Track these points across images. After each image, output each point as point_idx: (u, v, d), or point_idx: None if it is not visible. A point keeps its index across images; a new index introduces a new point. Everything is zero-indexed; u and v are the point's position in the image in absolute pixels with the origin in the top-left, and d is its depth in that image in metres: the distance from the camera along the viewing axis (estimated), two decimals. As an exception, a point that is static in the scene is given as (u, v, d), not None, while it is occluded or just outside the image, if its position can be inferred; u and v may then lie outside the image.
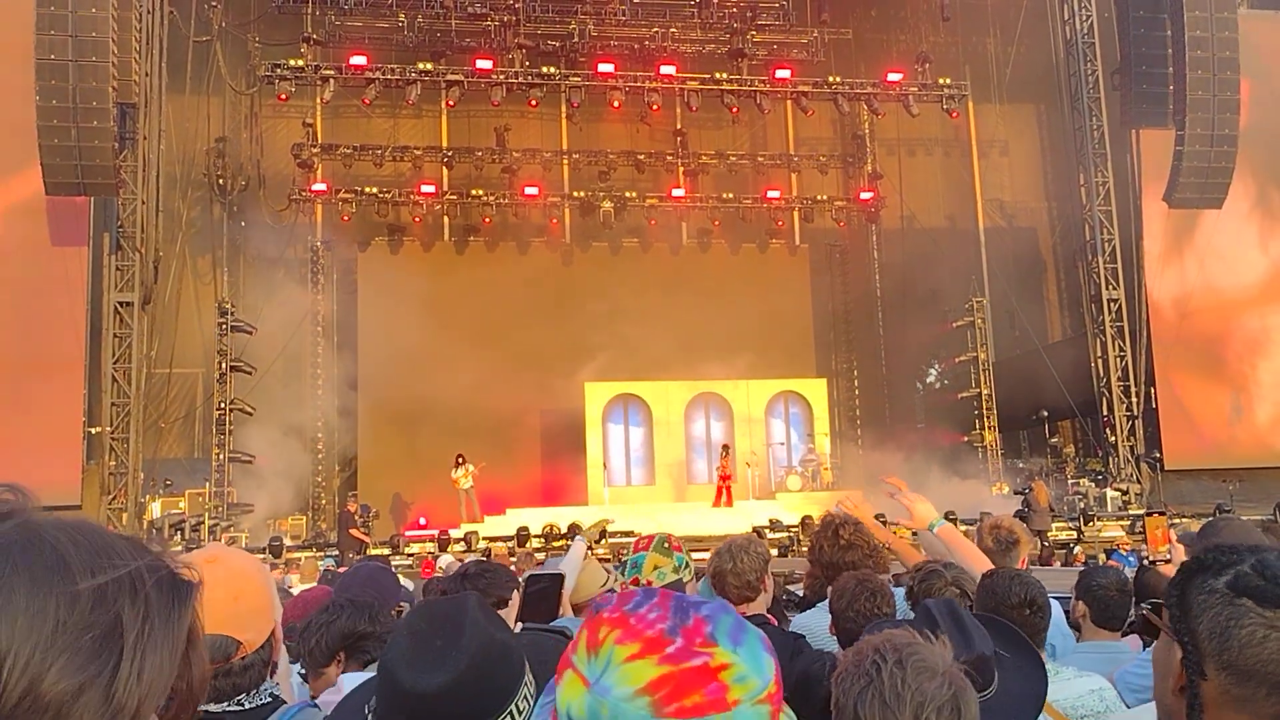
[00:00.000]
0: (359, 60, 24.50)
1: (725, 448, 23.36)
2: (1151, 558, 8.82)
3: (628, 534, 18.23)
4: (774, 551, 16.13)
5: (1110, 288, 24.42)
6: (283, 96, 24.60)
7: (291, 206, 25.80)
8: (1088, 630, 4.23)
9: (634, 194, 27.13)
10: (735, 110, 26.24)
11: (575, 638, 1.10)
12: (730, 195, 27.71)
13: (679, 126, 27.65)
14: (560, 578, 3.25)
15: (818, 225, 28.79)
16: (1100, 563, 13.58)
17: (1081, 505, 22.45)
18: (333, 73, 24.43)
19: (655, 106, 25.94)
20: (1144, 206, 24.35)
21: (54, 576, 0.82)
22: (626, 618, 1.08)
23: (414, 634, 1.18)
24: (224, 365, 22.28)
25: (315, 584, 8.80)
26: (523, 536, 19.90)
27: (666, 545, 3.58)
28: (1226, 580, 1.30)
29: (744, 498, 23.68)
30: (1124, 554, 16.71)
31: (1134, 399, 24.14)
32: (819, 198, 28.33)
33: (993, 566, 3.76)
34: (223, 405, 22.16)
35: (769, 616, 3.91)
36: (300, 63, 24.48)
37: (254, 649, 2.09)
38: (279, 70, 24.13)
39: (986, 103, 28.19)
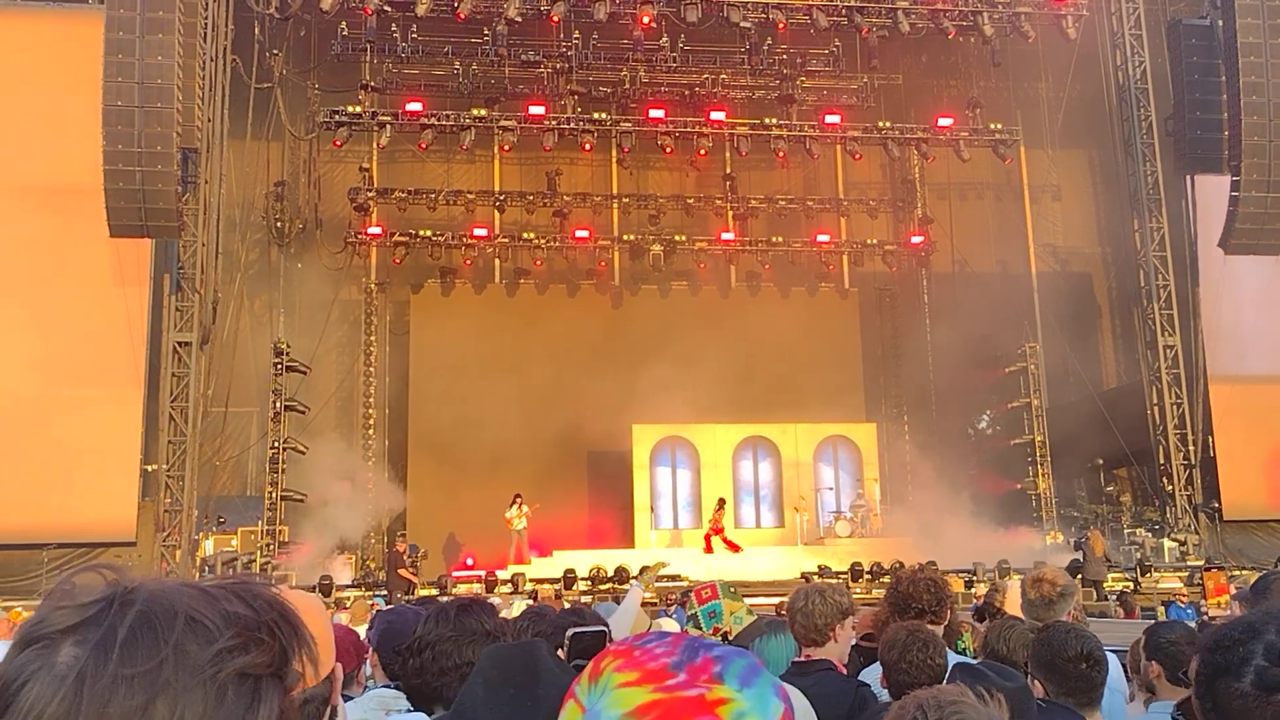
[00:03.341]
0: (415, 107, 24.98)
1: (721, 501, 22.80)
2: (1210, 614, 8.62)
3: (674, 578, 18.15)
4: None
5: (1166, 334, 24.05)
6: (338, 142, 25.19)
7: (347, 249, 26.24)
8: (1163, 690, 4.03)
9: (683, 237, 27.24)
10: (782, 155, 26.35)
11: (581, 672, 1.11)
12: (780, 239, 27.73)
13: (728, 170, 27.78)
14: (604, 633, 3.25)
15: (868, 269, 28.67)
16: (1159, 616, 13.29)
17: (1138, 556, 22.01)
18: (389, 119, 24.92)
19: (703, 151, 26.14)
20: (1200, 252, 24.01)
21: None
22: (632, 651, 1.08)
23: (490, 682, 1.19)
24: (278, 404, 22.60)
25: (366, 625, 8.73)
26: (569, 579, 19.90)
27: (733, 590, 3.60)
28: (1250, 680, 1.29)
29: (792, 543, 23.49)
30: (1181, 607, 16.35)
31: (1191, 447, 23.65)
32: (869, 242, 28.23)
33: None
34: (276, 444, 22.45)
35: (837, 664, 3.88)
36: (358, 109, 25.02)
37: (313, 684, 2.11)
38: (337, 116, 24.69)
39: (1038, 147, 28.02)
